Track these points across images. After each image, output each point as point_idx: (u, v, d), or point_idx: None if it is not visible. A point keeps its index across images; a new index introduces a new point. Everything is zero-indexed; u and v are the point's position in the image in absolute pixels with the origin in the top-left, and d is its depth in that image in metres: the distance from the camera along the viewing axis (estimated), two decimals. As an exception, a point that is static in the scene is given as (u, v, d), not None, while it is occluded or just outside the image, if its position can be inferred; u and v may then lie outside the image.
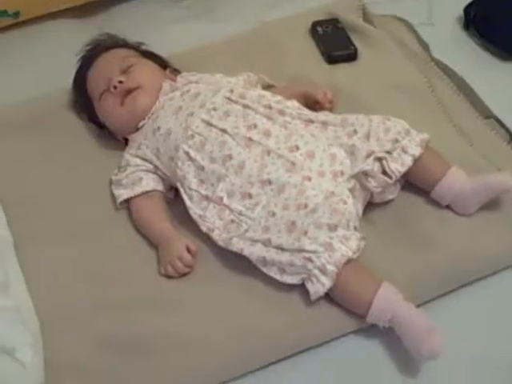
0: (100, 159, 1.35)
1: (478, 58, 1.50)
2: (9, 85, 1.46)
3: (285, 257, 1.11)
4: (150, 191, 1.26)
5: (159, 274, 1.18)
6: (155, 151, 1.26)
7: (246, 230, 1.15)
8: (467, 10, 1.54)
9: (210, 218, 1.19)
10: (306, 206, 1.14)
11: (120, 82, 1.30)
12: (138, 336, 1.10)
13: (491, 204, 1.20)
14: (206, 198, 1.20)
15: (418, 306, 1.10)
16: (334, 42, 1.48)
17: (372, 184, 1.19)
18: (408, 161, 1.19)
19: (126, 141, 1.33)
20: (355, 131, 1.21)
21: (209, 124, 1.22)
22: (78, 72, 1.40)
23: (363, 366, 1.09)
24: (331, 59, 1.46)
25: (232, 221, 1.17)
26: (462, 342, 1.09)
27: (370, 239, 1.15)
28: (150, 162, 1.27)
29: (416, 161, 1.20)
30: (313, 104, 1.34)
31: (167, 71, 1.38)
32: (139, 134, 1.30)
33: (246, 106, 1.24)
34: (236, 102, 1.25)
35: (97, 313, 1.13)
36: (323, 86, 1.38)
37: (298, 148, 1.19)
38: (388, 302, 1.08)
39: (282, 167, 1.17)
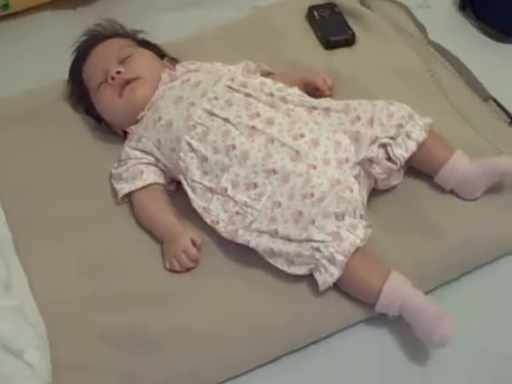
0: (99, 152, 1.33)
1: (474, 39, 1.49)
2: (4, 78, 1.44)
3: (292, 247, 1.10)
4: (151, 184, 1.24)
5: (164, 269, 1.17)
6: (156, 143, 1.24)
7: (252, 222, 1.14)
8: (463, -10, 1.53)
9: (214, 211, 1.17)
10: (312, 195, 1.13)
11: (118, 72, 1.27)
12: (146, 331, 1.10)
13: (495, 188, 1.20)
14: (210, 189, 1.18)
15: (426, 293, 1.09)
16: (332, 26, 1.46)
17: (377, 171, 1.18)
18: (412, 146, 1.19)
19: (125, 134, 1.32)
20: (358, 117, 1.20)
21: (211, 114, 1.21)
22: (73, 63, 1.37)
23: (374, 354, 1.09)
24: (329, 44, 1.45)
25: (237, 212, 1.16)
26: (468, 329, 1.09)
27: (375, 228, 1.14)
28: (151, 155, 1.25)
29: (420, 146, 1.19)
30: (313, 91, 1.33)
31: (165, 60, 1.36)
32: (139, 125, 1.28)
33: (247, 95, 1.23)
34: (238, 91, 1.23)
35: (102, 308, 1.12)
36: (322, 71, 1.37)
37: (302, 136, 1.17)
38: (397, 290, 1.07)
39: (286, 156, 1.16)
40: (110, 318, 1.11)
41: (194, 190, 1.19)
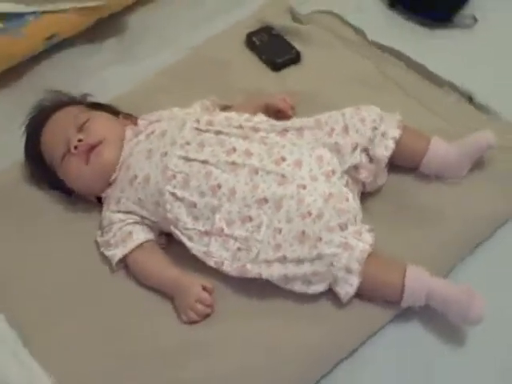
0: (75, 225, 1.28)
1: (410, 31, 1.53)
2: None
3: (306, 268, 1.10)
4: (143, 242, 1.21)
5: (181, 323, 1.14)
6: (137, 201, 1.21)
7: (258, 254, 1.13)
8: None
9: (215, 252, 1.15)
10: (309, 213, 1.12)
11: (79, 140, 1.24)
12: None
13: (476, 165, 1.24)
14: (206, 233, 1.16)
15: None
16: (274, 49, 1.48)
17: (363, 175, 1.20)
18: (391, 144, 1.21)
19: (99, 200, 1.28)
20: (332, 129, 1.21)
21: (187, 159, 1.19)
22: (28, 141, 1.33)
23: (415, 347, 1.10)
24: (276, 66, 1.46)
25: (239, 248, 1.15)
26: (494, 301, 1.09)
27: (375, 229, 1.14)
28: (135, 214, 1.22)
29: (397, 142, 1.21)
30: (275, 113, 1.33)
31: (120, 117, 1.34)
32: (114, 188, 1.25)
33: (218, 132, 1.22)
34: (207, 131, 1.22)
35: (128, 374, 1.09)
36: (277, 93, 1.37)
37: (284, 159, 1.17)
38: (419, 281, 1.09)
39: (273, 182, 1.16)
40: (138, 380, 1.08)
41: (190, 238, 1.17)
